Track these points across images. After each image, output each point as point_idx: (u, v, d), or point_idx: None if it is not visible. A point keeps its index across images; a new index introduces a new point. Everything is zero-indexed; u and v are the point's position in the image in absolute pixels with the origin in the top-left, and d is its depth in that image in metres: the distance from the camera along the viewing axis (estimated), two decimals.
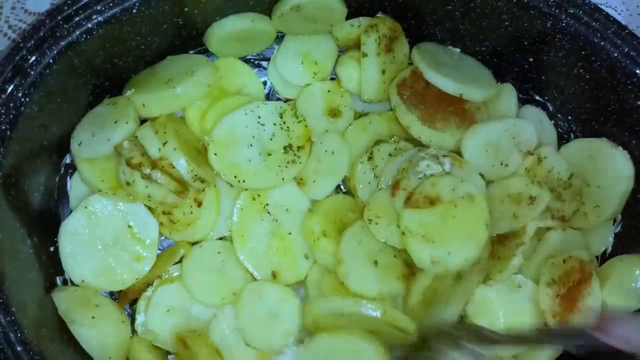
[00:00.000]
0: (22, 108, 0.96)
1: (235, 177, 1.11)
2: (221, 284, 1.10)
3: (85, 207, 1.09)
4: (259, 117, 1.14)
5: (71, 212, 1.12)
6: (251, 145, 1.12)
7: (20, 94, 0.95)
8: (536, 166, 1.16)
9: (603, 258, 1.19)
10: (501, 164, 1.16)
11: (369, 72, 1.18)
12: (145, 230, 1.10)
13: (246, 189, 1.13)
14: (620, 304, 1.11)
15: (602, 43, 1.07)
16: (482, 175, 1.16)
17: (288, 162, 1.13)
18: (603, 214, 1.15)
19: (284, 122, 1.15)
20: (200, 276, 1.10)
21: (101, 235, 1.09)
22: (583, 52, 1.10)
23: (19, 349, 0.92)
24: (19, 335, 0.92)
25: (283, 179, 1.12)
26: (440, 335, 1.03)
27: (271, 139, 1.14)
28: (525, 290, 1.12)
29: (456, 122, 1.17)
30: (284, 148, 1.13)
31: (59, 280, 1.12)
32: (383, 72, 1.19)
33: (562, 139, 1.25)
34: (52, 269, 1.12)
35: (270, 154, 1.13)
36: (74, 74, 1.04)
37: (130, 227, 1.10)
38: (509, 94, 1.23)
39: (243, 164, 1.11)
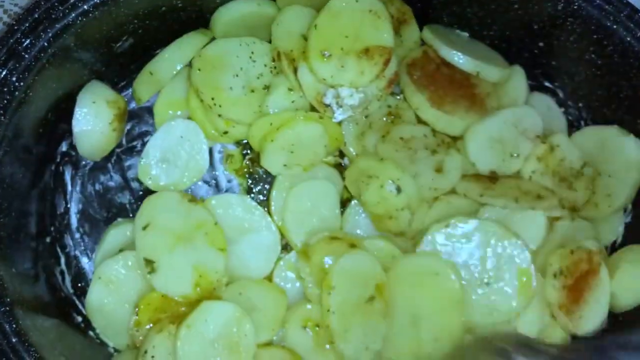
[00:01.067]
0: (17, 93, 0.92)
1: (212, 99, 1.09)
2: None
3: (99, 278, 1.06)
4: (252, 53, 1.13)
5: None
6: (237, 76, 1.11)
7: (14, 78, 0.92)
8: (548, 155, 1.13)
9: (613, 249, 1.16)
10: (511, 156, 1.13)
11: None
12: None
13: (219, 115, 1.11)
14: (630, 295, 1.09)
15: (615, 27, 1.04)
16: (494, 172, 1.13)
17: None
18: (614, 203, 1.12)
19: (274, 67, 1.14)
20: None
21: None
22: (595, 36, 1.06)
23: (14, 340, 0.90)
24: (14, 326, 0.90)
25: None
26: (487, 347, 0.99)
27: (258, 78, 1.13)
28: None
29: (465, 107, 1.14)
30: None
31: (58, 273, 1.11)
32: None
33: (572, 127, 1.22)
34: (49, 259, 1.10)
35: (253, 91, 1.12)
36: (69, 58, 1.01)
37: None
38: (518, 77, 1.19)
39: (224, 89, 1.10)
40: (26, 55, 0.92)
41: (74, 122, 1.07)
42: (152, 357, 0.99)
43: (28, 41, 0.93)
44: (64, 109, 1.07)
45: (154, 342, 0.99)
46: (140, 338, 1.03)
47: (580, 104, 1.20)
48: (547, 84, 1.22)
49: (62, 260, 1.13)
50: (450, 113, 1.13)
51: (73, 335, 1.06)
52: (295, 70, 1.11)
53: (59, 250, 1.12)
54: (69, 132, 1.10)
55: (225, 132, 1.13)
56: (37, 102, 0.98)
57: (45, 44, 0.93)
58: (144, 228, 1.04)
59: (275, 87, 1.12)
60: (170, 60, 1.12)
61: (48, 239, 1.09)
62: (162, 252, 1.03)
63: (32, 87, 0.95)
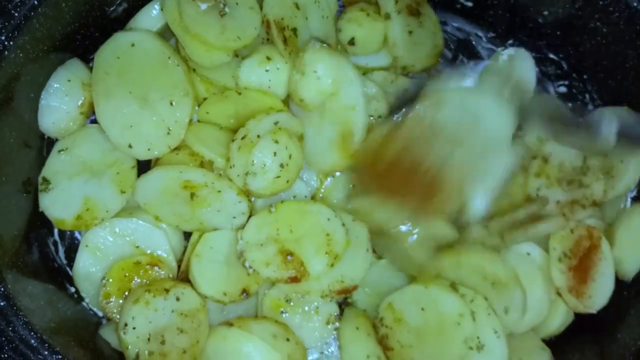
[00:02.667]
0: (6, 52, 0.91)
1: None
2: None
3: (86, 246, 1.06)
4: None
5: None
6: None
7: (3, 37, 0.90)
8: (544, 167, 1.10)
9: None
10: None
11: (394, 31, 1.14)
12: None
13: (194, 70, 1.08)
14: (634, 258, 1.07)
15: None
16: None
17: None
18: (617, 185, 1.10)
19: (267, 36, 1.11)
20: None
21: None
22: (601, 2, 1.03)
23: (2, 303, 0.89)
24: (2, 290, 0.89)
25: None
26: None
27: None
28: (534, 258, 1.07)
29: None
30: None
31: (51, 244, 1.10)
32: (410, 33, 1.15)
33: (577, 100, 1.19)
34: (41, 228, 1.09)
35: (237, 55, 1.10)
36: (61, 20, 0.99)
37: (137, 247, 1.07)
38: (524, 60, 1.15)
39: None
40: (16, 14, 0.90)
41: (43, 94, 1.05)
42: (134, 328, 0.97)
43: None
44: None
45: (132, 313, 0.98)
46: (113, 310, 1.03)
47: (585, 76, 1.17)
48: (551, 55, 1.20)
49: (55, 230, 1.11)
50: None
51: (65, 304, 1.04)
52: (285, 40, 1.08)
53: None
54: None
55: (205, 99, 1.11)
56: (27, 65, 0.96)
57: (36, 2, 0.91)
58: (60, 151, 1.06)
59: (255, 52, 1.09)
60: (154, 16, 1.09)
61: (40, 209, 1.07)
62: (63, 177, 1.05)
63: (22, 47, 0.93)
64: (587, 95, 1.18)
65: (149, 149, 1.06)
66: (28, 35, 0.93)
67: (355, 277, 1.05)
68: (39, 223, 1.07)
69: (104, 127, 1.05)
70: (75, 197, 1.05)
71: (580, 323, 1.09)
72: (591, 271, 1.06)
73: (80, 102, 1.08)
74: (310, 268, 1.01)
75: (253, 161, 1.01)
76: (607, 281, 1.06)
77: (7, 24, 0.90)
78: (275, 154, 1.02)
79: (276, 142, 1.02)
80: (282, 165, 1.03)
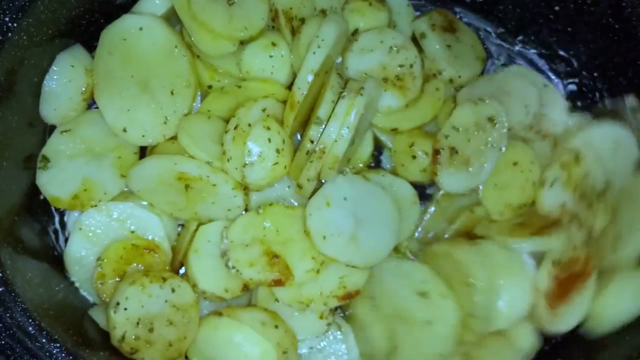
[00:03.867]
0: (9, 34, 0.89)
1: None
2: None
3: (80, 229, 1.04)
4: None
5: None
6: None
7: (7, 18, 0.89)
8: (572, 164, 1.06)
9: None
10: None
11: (432, 47, 1.15)
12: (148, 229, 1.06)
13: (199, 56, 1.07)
14: (609, 319, 1.03)
15: None
16: None
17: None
18: (623, 247, 1.05)
19: (273, 24, 1.10)
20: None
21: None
22: None
23: (0, 289, 0.87)
24: (0, 275, 0.88)
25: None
26: None
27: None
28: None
29: None
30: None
31: (51, 232, 1.08)
32: (449, 47, 1.14)
33: (587, 99, 1.18)
34: (42, 216, 1.07)
35: (242, 43, 1.08)
36: (66, 3, 0.98)
37: (133, 232, 1.05)
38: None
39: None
40: None
41: (46, 80, 1.03)
42: (125, 309, 0.96)
43: None
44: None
45: (126, 293, 0.97)
46: (106, 291, 1.01)
47: (596, 74, 1.16)
48: (561, 52, 1.18)
49: (56, 219, 1.10)
50: None
51: (64, 292, 1.03)
52: (293, 30, 1.06)
53: (53, 209, 1.09)
54: None
55: (210, 87, 1.09)
56: (31, 48, 0.95)
57: None
58: (63, 132, 1.05)
59: (260, 37, 1.07)
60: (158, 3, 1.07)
61: (41, 196, 1.06)
62: (63, 156, 1.05)
63: (26, 30, 0.92)
64: (597, 94, 1.17)
65: (143, 136, 1.05)
66: (32, 17, 0.91)
67: (358, 282, 1.03)
68: (40, 210, 1.06)
69: (101, 107, 1.04)
70: (74, 177, 1.04)
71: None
72: (573, 293, 1.02)
73: (83, 88, 1.06)
74: (296, 272, 1.00)
75: (250, 150, 1.00)
76: (577, 313, 1.03)
77: (11, 4, 0.88)
78: (269, 140, 1.01)
79: (268, 128, 1.01)
80: (278, 151, 1.02)
